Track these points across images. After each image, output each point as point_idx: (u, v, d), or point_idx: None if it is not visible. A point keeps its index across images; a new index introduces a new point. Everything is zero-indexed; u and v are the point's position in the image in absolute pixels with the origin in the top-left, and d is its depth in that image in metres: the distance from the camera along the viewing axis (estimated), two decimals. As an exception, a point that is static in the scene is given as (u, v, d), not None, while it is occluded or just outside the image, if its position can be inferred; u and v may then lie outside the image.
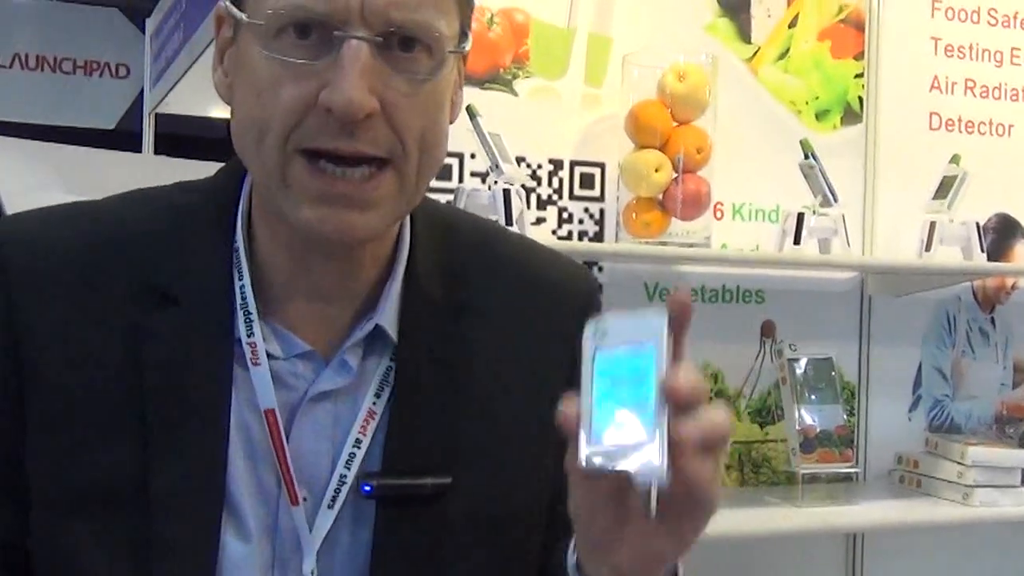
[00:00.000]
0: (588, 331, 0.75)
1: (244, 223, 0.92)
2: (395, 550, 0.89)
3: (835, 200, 2.07)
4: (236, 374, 0.89)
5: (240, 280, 0.89)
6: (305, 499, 0.88)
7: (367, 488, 0.88)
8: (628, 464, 0.70)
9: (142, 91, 5.52)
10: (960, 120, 2.38)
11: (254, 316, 0.88)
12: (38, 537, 0.88)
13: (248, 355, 0.88)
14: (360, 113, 0.80)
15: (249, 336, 0.88)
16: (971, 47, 2.39)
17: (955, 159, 2.20)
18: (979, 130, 2.40)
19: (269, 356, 0.89)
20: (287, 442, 0.88)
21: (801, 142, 2.10)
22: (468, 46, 0.88)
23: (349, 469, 0.89)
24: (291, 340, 0.90)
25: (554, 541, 0.97)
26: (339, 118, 0.80)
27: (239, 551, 0.87)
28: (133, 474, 0.85)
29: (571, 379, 0.96)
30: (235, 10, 0.85)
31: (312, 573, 0.88)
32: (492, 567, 0.93)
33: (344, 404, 0.90)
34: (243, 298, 0.89)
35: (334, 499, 0.89)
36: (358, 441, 0.89)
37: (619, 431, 0.71)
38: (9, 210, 2.07)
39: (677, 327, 0.73)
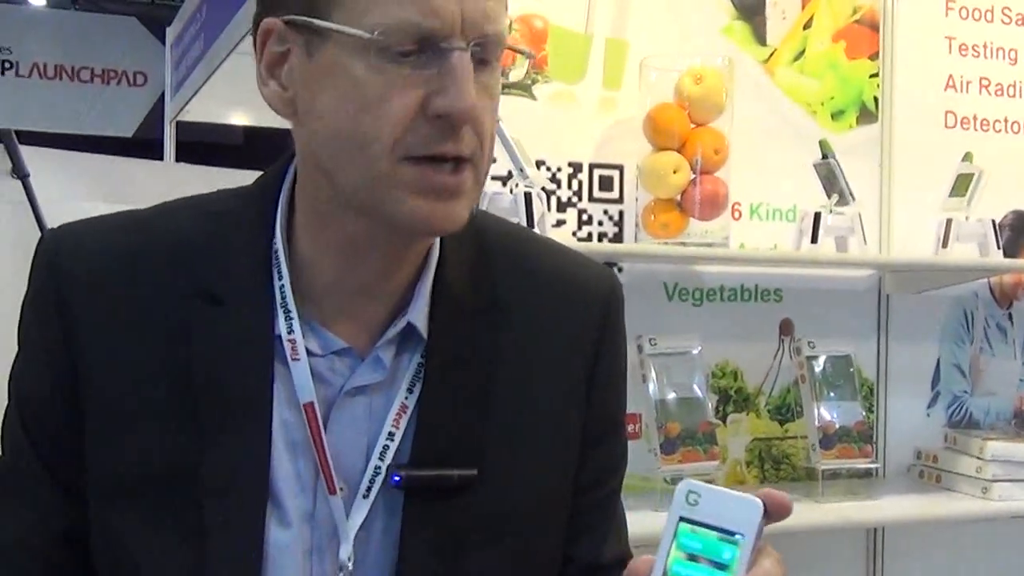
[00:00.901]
0: (680, 491, 0.75)
1: (283, 226, 0.96)
2: (422, 539, 0.93)
3: (852, 199, 2.10)
4: (276, 370, 0.93)
5: (280, 280, 0.94)
6: (342, 489, 0.93)
7: (396, 478, 0.92)
8: None
9: (159, 99, 5.57)
10: (975, 118, 2.40)
11: (294, 314, 0.93)
12: (96, 524, 0.92)
13: (288, 351, 0.92)
14: (474, 117, 0.86)
15: (289, 333, 0.92)
16: (985, 46, 2.41)
17: (967, 157, 2.22)
18: (994, 128, 2.42)
19: (308, 353, 0.93)
20: (325, 434, 0.92)
21: (821, 143, 2.13)
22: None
23: (383, 461, 0.93)
24: (328, 338, 0.94)
25: (576, 534, 1.02)
26: (457, 122, 0.86)
27: (281, 538, 0.91)
28: (183, 464, 0.90)
29: (592, 378, 1.02)
30: (320, 22, 0.86)
31: (348, 559, 0.92)
32: (516, 557, 0.97)
33: (378, 398, 0.95)
34: (283, 297, 0.93)
35: (369, 490, 0.93)
36: (391, 434, 0.93)
37: None
38: (47, 216, 2.12)
39: (767, 519, 0.75)
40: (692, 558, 0.73)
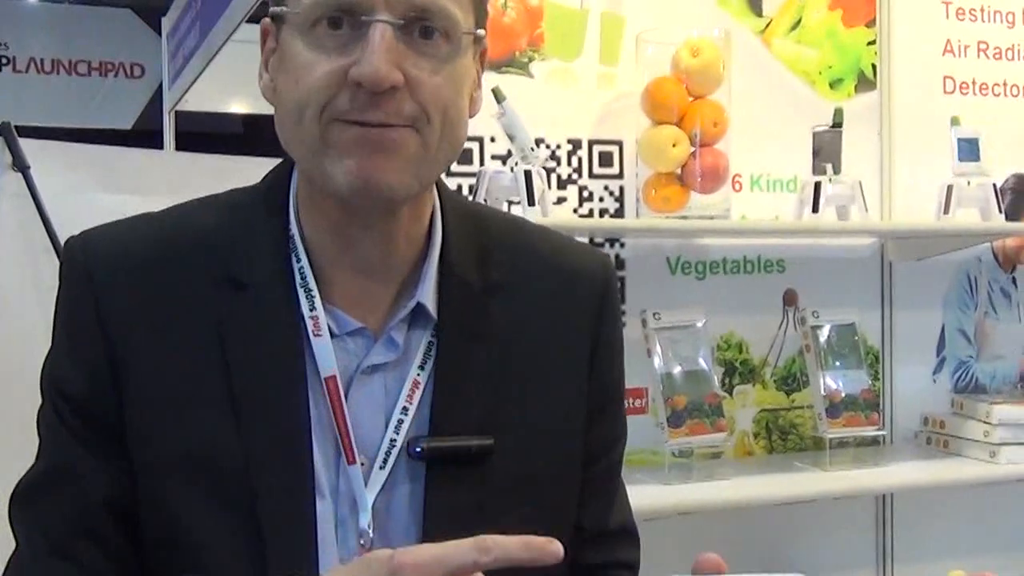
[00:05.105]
0: None
1: (296, 211, 1.01)
2: (444, 506, 0.97)
3: (838, 171, 2.10)
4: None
5: (298, 263, 0.98)
6: (363, 463, 0.96)
7: (418, 449, 0.97)
8: None
9: (158, 90, 5.56)
10: (974, 82, 2.40)
11: (315, 293, 0.97)
12: (147, 508, 0.95)
13: (310, 328, 0.96)
14: (386, 83, 0.89)
15: (312, 311, 0.97)
16: (982, 9, 2.40)
17: (955, 121, 2.21)
18: (993, 91, 2.41)
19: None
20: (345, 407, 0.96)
21: (836, 111, 2.12)
22: (484, 33, 0.98)
23: (398, 434, 0.97)
24: (343, 319, 0.98)
25: (584, 502, 1.07)
26: (367, 89, 0.89)
27: (318, 507, 0.95)
28: (229, 442, 0.94)
29: (594, 352, 1.07)
30: (277, 8, 0.94)
31: (368, 526, 0.95)
32: (534, 523, 0.99)
33: (392, 376, 0.99)
34: (303, 278, 0.98)
35: (385, 461, 0.97)
36: (405, 409, 0.98)
37: None
38: (49, 208, 2.13)
39: None
40: None
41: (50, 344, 1.01)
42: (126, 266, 0.98)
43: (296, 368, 0.95)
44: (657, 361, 2.00)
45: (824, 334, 2.14)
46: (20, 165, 2.31)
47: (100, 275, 0.97)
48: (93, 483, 0.95)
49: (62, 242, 1.05)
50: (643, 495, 1.86)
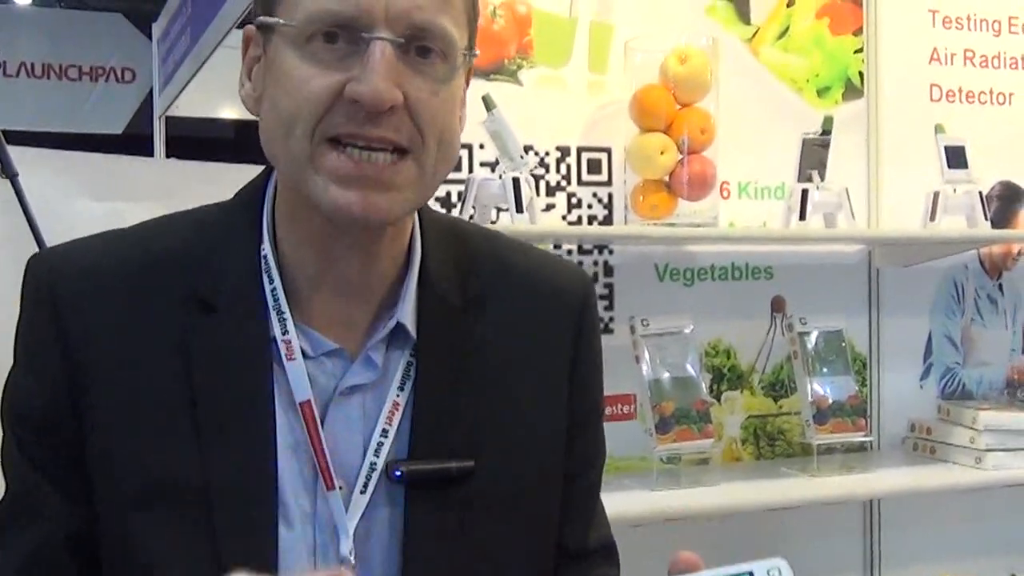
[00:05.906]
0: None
1: (270, 229, 0.98)
2: (426, 529, 0.95)
3: (822, 179, 2.11)
4: (274, 372, 0.94)
5: (271, 284, 0.95)
6: (341, 488, 0.94)
7: (398, 473, 0.94)
8: None
9: (149, 95, 5.56)
10: (960, 90, 2.41)
11: (287, 316, 0.95)
12: (106, 531, 0.93)
13: (283, 352, 0.94)
14: (387, 103, 0.87)
15: (284, 334, 0.94)
16: (968, 17, 2.42)
17: (939, 128, 2.23)
18: (979, 99, 2.43)
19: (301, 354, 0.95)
20: (322, 432, 0.94)
21: (825, 119, 2.13)
22: (475, 54, 0.97)
23: (378, 457, 0.95)
24: (319, 339, 0.96)
25: (563, 521, 1.06)
26: (367, 108, 0.87)
27: (286, 538, 0.92)
28: (191, 469, 0.91)
29: (573, 370, 1.06)
30: (267, 18, 0.92)
31: (350, 553, 0.93)
32: (517, 542, 1.00)
33: (371, 397, 0.97)
34: (275, 300, 0.95)
35: (366, 485, 0.95)
36: (385, 431, 0.95)
37: None
38: (37, 215, 2.13)
39: None
40: None
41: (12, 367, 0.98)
42: (90, 286, 0.95)
43: (263, 394, 0.93)
44: (645, 367, 2.00)
45: (811, 340, 2.15)
46: (8, 172, 2.30)
47: (62, 295, 0.94)
48: (53, 514, 0.93)
49: (51, 249, 1.03)
50: (630, 501, 1.87)
